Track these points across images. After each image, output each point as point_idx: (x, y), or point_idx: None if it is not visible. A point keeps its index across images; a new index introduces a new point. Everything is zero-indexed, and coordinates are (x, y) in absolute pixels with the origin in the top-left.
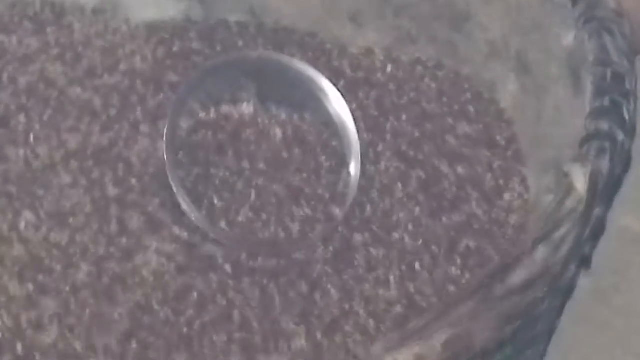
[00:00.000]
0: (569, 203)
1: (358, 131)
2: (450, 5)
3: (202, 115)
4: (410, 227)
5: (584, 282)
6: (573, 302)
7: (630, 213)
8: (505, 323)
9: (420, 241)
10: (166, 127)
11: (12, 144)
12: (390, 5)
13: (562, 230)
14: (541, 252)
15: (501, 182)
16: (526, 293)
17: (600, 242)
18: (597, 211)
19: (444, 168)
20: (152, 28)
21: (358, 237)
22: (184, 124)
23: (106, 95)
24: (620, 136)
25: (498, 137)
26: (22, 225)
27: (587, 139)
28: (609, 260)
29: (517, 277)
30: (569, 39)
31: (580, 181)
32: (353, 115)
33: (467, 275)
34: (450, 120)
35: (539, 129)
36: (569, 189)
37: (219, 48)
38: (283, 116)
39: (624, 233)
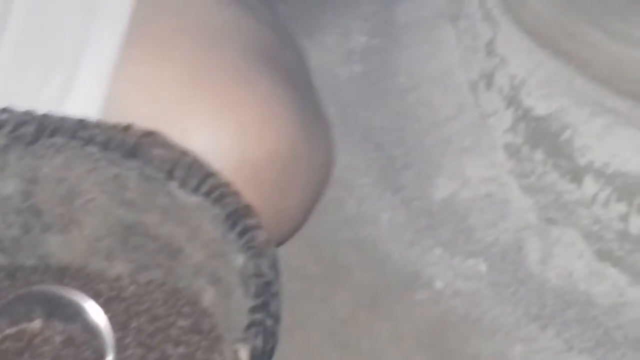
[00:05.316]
0: None
1: (111, 331)
2: (167, 244)
3: (7, 331)
4: None
5: None
6: None
7: None
8: None
9: None
10: None
11: None
12: (127, 245)
13: None
14: None
15: (207, 355)
16: None
17: None
18: None
19: (169, 350)
20: None
21: None
22: None
23: None
24: (270, 323)
25: (204, 327)
26: None
27: (249, 325)
28: None
29: None
30: (240, 260)
31: (244, 355)
32: (109, 321)
33: None
34: (172, 318)
35: (229, 320)
36: None
37: (19, 284)
38: (60, 327)
39: None
